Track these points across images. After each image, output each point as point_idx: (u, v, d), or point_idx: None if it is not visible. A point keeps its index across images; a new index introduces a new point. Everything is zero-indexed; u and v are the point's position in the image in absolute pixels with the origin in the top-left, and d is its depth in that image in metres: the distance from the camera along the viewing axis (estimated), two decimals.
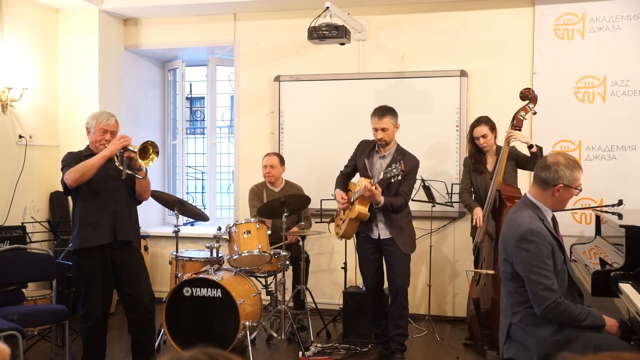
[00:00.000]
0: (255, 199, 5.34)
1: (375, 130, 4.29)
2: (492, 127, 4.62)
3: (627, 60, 5.20)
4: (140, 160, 3.73)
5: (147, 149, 3.77)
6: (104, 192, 3.86)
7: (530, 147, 4.42)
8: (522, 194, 4.32)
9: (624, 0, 5.20)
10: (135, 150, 3.74)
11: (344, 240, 5.12)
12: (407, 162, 4.18)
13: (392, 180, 4.09)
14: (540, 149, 4.43)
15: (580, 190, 2.92)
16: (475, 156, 4.70)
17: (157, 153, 3.79)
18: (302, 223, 5.01)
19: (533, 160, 4.39)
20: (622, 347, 2.80)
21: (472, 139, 4.69)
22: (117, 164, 3.80)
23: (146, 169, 3.88)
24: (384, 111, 4.27)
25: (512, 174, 4.60)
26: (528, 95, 4.40)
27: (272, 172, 5.27)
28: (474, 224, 4.59)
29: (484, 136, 4.59)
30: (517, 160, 4.61)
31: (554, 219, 3.02)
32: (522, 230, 2.83)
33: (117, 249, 3.89)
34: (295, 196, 4.96)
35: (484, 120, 4.63)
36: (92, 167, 3.72)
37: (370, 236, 4.36)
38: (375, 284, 4.45)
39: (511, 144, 4.48)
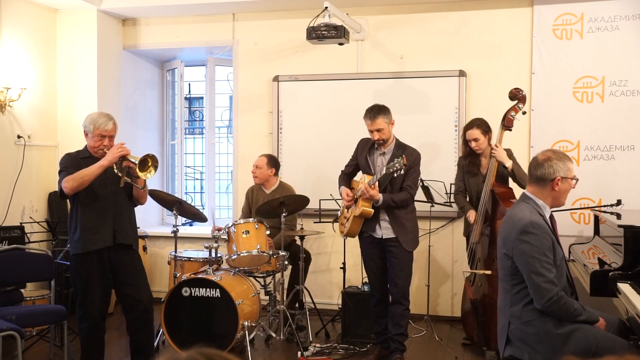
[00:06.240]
0: (246, 203, 5.38)
1: (371, 132, 4.31)
2: (485, 131, 4.53)
3: (625, 60, 5.20)
4: (138, 172, 3.73)
5: (147, 161, 3.77)
6: (103, 197, 3.86)
7: (504, 167, 4.41)
8: (514, 193, 4.35)
9: (622, 0, 5.21)
10: (135, 161, 3.73)
11: (342, 240, 5.13)
12: (408, 155, 4.18)
13: (395, 175, 4.09)
14: (513, 169, 4.43)
15: (577, 180, 2.99)
16: (469, 158, 4.64)
17: (155, 167, 3.79)
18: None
19: (512, 178, 4.48)
20: (621, 344, 2.82)
21: (465, 141, 4.66)
22: (115, 171, 3.80)
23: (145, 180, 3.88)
24: (375, 112, 4.26)
25: (504, 179, 4.56)
26: (517, 95, 4.40)
27: (256, 173, 5.24)
28: (470, 222, 4.58)
29: (475, 140, 4.52)
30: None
31: (552, 217, 3.04)
32: (523, 223, 2.85)
33: (116, 251, 3.90)
34: (290, 196, 4.94)
35: (477, 124, 4.54)
36: (90, 176, 3.72)
37: (373, 236, 4.37)
38: (379, 282, 4.45)
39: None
